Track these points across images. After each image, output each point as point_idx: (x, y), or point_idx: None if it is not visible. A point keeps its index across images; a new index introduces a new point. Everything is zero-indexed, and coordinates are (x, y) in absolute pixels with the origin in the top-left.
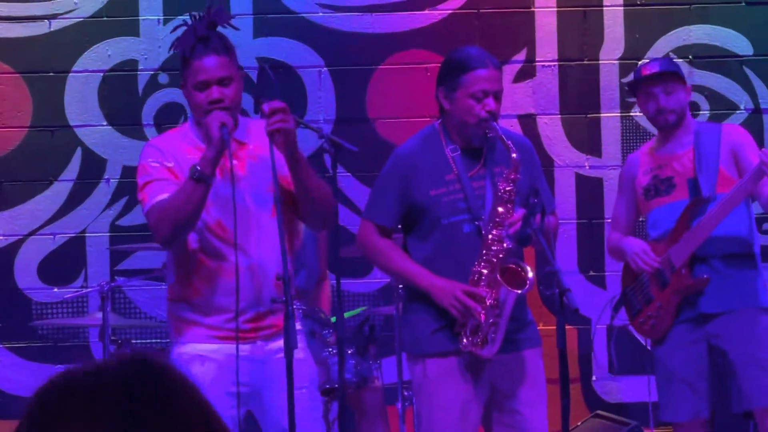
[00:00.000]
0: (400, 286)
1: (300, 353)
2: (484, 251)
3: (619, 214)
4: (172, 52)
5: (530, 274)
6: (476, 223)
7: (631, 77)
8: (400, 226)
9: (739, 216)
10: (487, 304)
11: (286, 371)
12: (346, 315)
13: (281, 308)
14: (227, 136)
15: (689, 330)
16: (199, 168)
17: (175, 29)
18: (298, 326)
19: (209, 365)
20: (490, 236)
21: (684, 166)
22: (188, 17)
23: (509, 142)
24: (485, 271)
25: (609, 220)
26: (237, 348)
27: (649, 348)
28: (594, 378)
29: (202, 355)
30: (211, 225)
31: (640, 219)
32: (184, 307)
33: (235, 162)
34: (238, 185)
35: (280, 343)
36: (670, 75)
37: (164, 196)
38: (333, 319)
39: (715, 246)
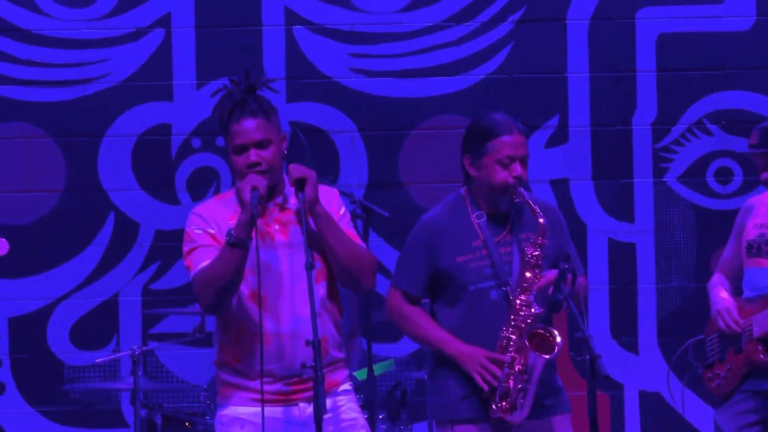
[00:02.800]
0: None
1: (353, 413)
2: (512, 317)
3: (726, 257)
4: (215, 116)
5: (558, 339)
6: (503, 288)
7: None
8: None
9: None
10: (516, 369)
11: None
12: (376, 368)
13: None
14: (255, 200)
15: (749, 401)
16: (233, 233)
17: (214, 94)
18: (347, 386)
19: (248, 428)
20: (518, 301)
21: None
22: (227, 82)
23: (536, 207)
24: (513, 337)
25: (643, 285)
26: (263, 412)
27: (681, 413)
28: None
29: (242, 418)
30: (247, 293)
31: None
32: (226, 371)
33: (276, 227)
34: (277, 251)
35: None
36: None
37: (207, 262)
38: (362, 374)
39: None
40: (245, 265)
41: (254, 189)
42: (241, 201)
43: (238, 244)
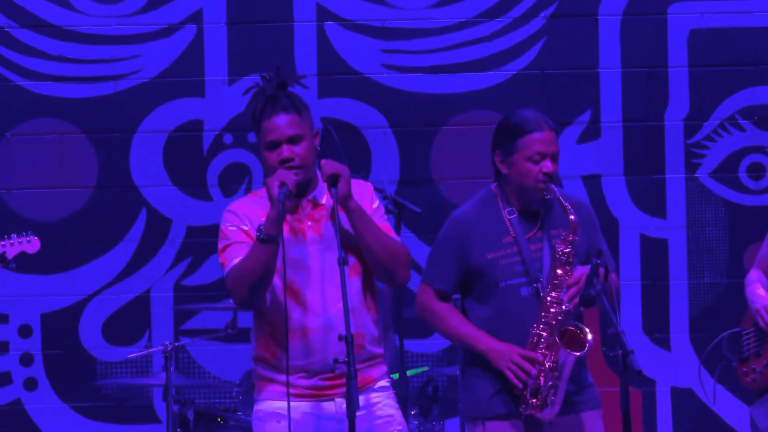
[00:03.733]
0: None
1: (391, 409)
2: (543, 313)
3: (764, 253)
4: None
5: (589, 336)
6: (534, 285)
7: None
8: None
9: None
10: (546, 366)
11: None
12: (409, 373)
13: (357, 367)
14: (282, 196)
15: None
16: (263, 228)
17: (246, 92)
18: (385, 383)
19: (285, 423)
20: (548, 298)
21: None
22: (259, 79)
23: (567, 204)
24: (544, 334)
25: (675, 281)
26: (288, 406)
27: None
28: None
29: (278, 412)
30: (282, 288)
31: None
32: (262, 366)
33: (309, 223)
34: (309, 247)
35: (359, 400)
36: None
37: (239, 259)
38: (395, 376)
39: None
40: (276, 261)
41: (282, 185)
42: (270, 197)
43: (267, 239)
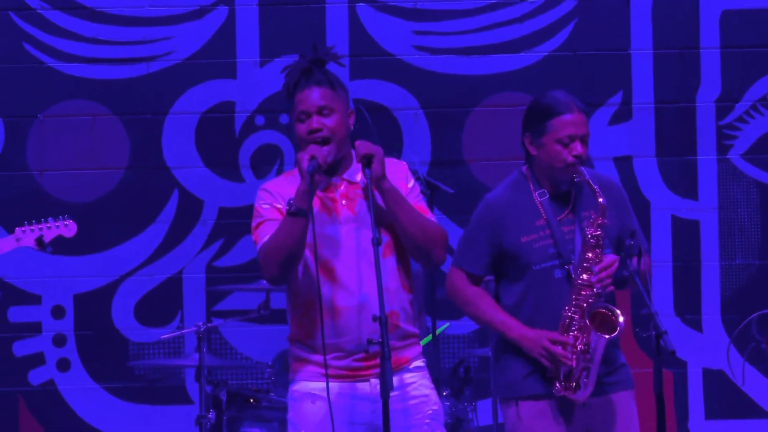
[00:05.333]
0: None
1: (425, 389)
2: (574, 296)
3: None
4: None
5: (621, 319)
6: (566, 267)
7: None
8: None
9: None
10: (578, 349)
11: (382, 413)
12: (438, 332)
13: (392, 347)
14: (311, 168)
15: None
16: (293, 202)
17: (284, 69)
18: (420, 363)
19: (320, 403)
20: (579, 281)
21: None
22: (297, 57)
23: (596, 187)
24: (576, 316)
25: (706, 263)
26: (327, 386)
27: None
28: (689, 422)
29: (313, 393)
30: (318, 266)
31: None
32: (297, 346)
33: (343, 202)
34: (343, 226)
35: (393, 380)
36: None
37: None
38: (427, 339)
39: None
40: (306, 235)
41: (312, 158)
42: (300, 170)
43: (297, 213)
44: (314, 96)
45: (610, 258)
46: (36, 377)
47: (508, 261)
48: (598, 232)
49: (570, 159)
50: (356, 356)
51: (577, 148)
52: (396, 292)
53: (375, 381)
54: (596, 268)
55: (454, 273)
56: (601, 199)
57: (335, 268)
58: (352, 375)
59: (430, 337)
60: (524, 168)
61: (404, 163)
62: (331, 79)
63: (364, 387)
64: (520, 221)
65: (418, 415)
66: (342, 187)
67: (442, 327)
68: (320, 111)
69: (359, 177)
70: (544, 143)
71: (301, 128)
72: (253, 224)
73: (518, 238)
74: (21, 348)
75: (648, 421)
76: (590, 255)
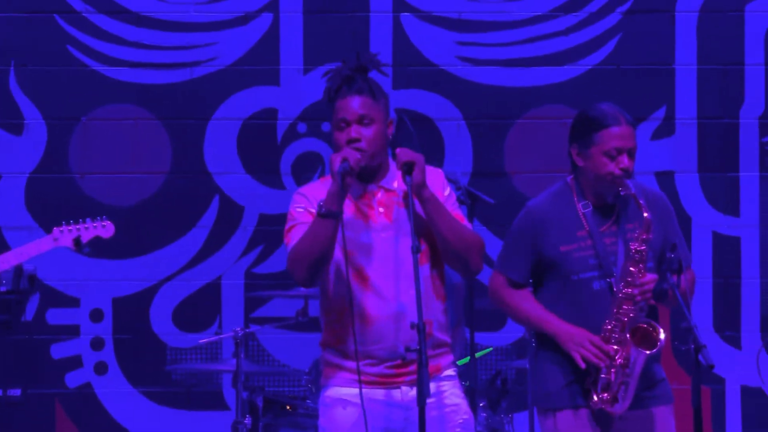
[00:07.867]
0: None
1: (457, 398)
2: (615, 309)
3: None
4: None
5: (662, 335)
6: (608, 280)
7: None
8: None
9: None
10: (618, 363)
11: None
12: (477, 355)
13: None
14: (342, 169)
15: None
16: (323, 204)
17: (326, 74)
18: (452, 371)
19: (351, 409)
20: (621, 294)
21: None
22: (340, 64)
23: (642, 201)
24: (616, 330)
25: (747, 279)
26: (360, 392)
27: None
28: None
29: (344, 399)
30: (352, 273)
31: None
32: (329, 351)
33: (380, 209)
34: (379, 233)
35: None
36: None
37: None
38: (464, 360)
39: None
40: (335, 238)
41: (344, 160)
42: (331, 172)
43: (327, 214)
44: (354, 105)
45: (651, 276)
46: (73, 380)
47: (546, 269)
48: (643, 248)
49: (617, 172)
50: (389, 363)
51: (624, 161)
52: (430, 300)
53: (406, 388)
54: (638, 282)
55: (495, 277)
56: (646, 214)
57: (369, 275)
58: (385, 382)
59: (467, 358)
60: (569, 179)
61: (440, 170)
62: (372, 87)
63: (395, 394)
64: (561, 230)
65: (450, 423)
66: (378, 195)
67: (484, 350)
68: (360, 120)
69: (396, 184)
70: (591, 154)
71: (340, 136)
72: (286, 227)
73: (557, 247)
74: (59, 350)
75: None
76: (633, 269)
